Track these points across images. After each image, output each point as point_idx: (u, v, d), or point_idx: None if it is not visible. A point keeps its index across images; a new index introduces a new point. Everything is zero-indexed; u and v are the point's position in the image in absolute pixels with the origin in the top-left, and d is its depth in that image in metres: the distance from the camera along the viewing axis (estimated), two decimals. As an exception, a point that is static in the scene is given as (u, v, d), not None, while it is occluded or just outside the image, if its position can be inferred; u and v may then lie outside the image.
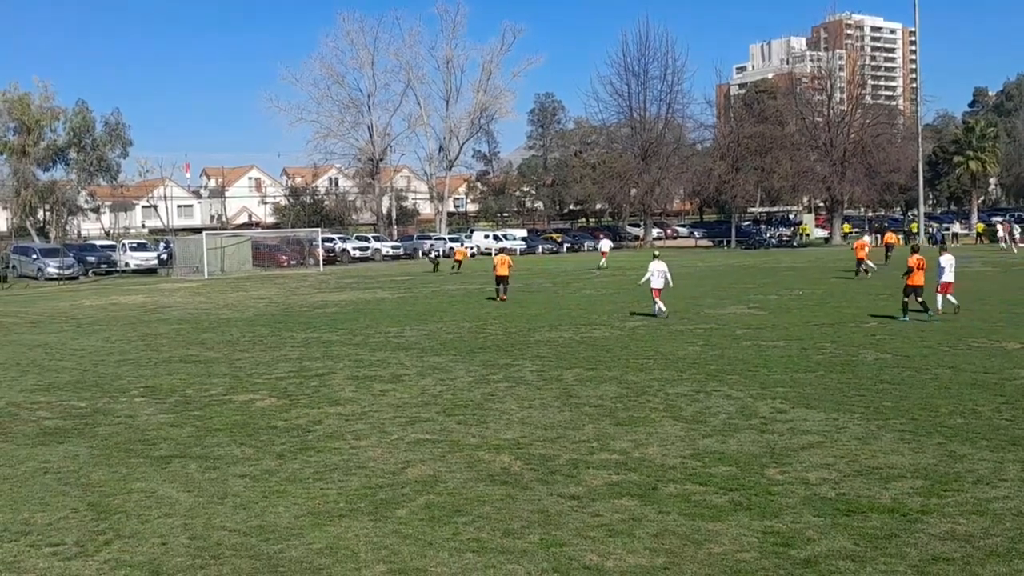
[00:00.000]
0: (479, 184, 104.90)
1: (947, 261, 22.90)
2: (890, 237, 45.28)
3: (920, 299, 21.97)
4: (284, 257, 58.63)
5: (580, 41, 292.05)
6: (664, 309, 23.96)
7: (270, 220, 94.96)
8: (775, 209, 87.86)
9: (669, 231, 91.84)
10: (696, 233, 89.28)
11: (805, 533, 7.82)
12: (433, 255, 53.52)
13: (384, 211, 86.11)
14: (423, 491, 9.31)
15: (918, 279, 21.99)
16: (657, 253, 26.23)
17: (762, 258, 56.17)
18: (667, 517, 8.32)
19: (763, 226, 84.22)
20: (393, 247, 70.34)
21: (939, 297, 22.71)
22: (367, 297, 34.22)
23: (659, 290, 24.08)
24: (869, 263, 36.31)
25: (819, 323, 22.03)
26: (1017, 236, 56.81)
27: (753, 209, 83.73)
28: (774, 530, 7.91)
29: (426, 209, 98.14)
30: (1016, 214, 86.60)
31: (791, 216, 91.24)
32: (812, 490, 8.98)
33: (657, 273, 24.04)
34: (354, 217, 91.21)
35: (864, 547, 7.46)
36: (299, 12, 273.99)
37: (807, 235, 77.15)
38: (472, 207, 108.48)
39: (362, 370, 16.98)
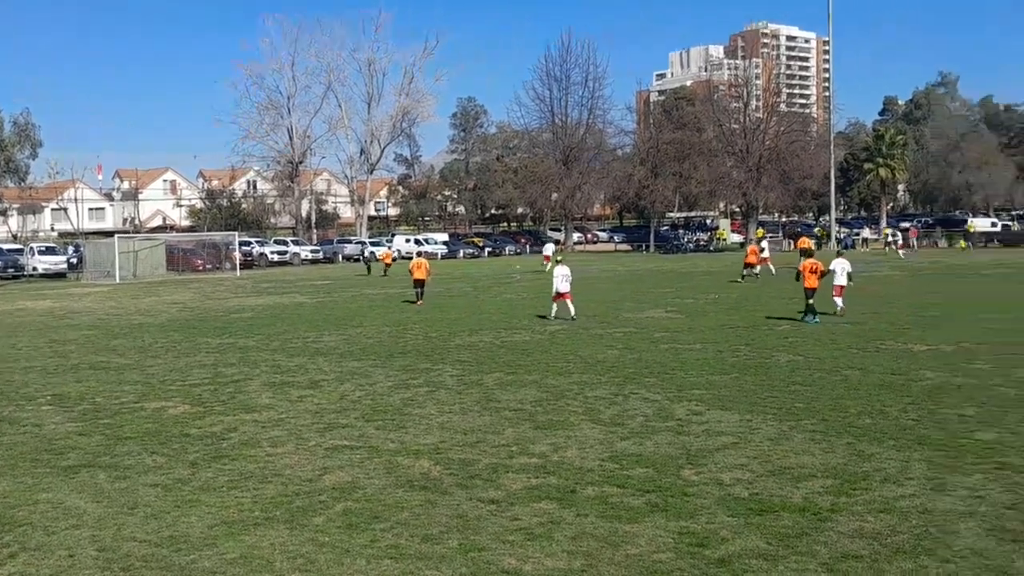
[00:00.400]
0: (400, 188, 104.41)
1: (839, 265, 23.83)
2: (804, 242, 46.61)
3: (810, 301, 22.76)
4: (199, 261, 57.61)
5: (503, 46, 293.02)
6: (555, 314, 24.37)
7: (185, 223, 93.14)
8: (693, 214, 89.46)
9: (590, 236, 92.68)
10: (616, 238, 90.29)
11: (719, 533, 7.95)
12: (367, 256, 54.06)
13: (303, 214, 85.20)
14: (341, 498, 9.21)
15: (811, 282, 22.75)
16: (560, 258, 26.77)
17: (680, 262, 57.05)
18: (585, 519, 8.37)
19: (681, 231, 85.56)
20: (312, 251, 69.65)
21: (837, 300, 23.64)
22: (285, 302, 33.78)
23: (566, 293, 24.41)
24: (762, 267, 38.16)
25: (734, 326, 22.46)
26: (900, 241, 59.33)
27: (672, 214, 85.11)
28: (689, 530, 8.02)
29: (346, 213, 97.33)
30: (923, 219, 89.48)
31: (708, 221, 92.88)
32: (726, 490, 9.13)
33: (562, 277, 24.39)
34: (272, 220, 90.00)
35: (776, 546, 7.61)
36: (219, 13, 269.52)
37: (723, 240, 78.58)
38: (393, 211, 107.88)
39: (279, 376, 16.74)
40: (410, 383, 15.65)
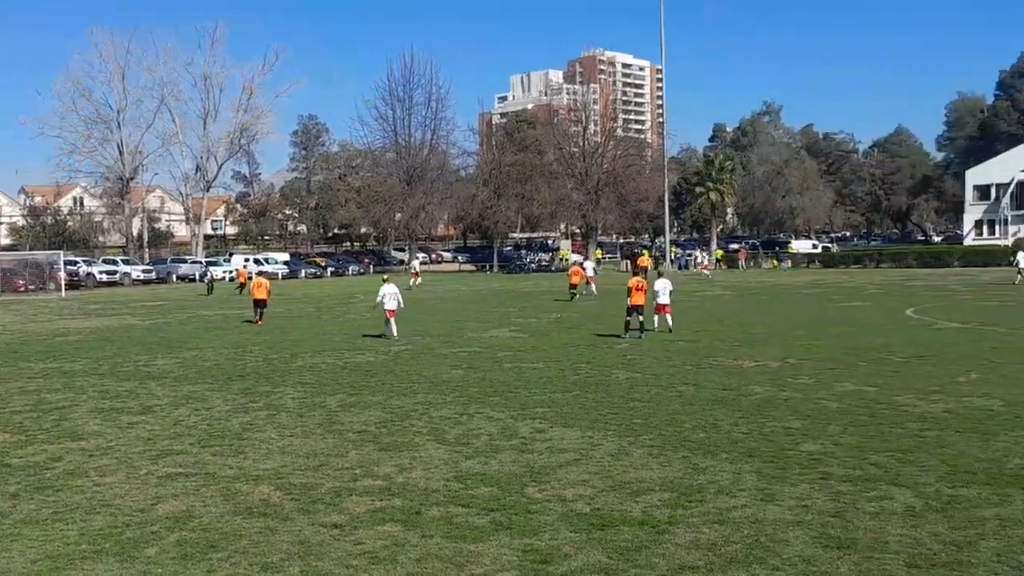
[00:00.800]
0: (239, 206, 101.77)
1: (661, 285, 24.82)
2: (642, 261, 48.51)
3: (641, 318, 23.83)
4: (21, 282, 54.70)
5: (344, 64, 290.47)
6: (396, 333, 24.52)
7: (5, 242, 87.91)
8: (535, 235, 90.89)
9: (434, 255, 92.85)
10: (460, 258, 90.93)
11: (562, 549, 8.05)
12: (208, 279, 53.11)
13: (135, 233, 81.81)
14: (175, 528, 8.84)
15: (638, 299, 23.67)
16: (386, 277, 27.48)
17: (523, 282, 57.81)
18: (430, 541, 8.33)
19: (524, 251, 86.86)
20: (144, 271, 67.05)
21: (656, 317, 24.70)
22: (115, 324, 32.28)
23: (393, 311, 24.64)
24: (589, 287, 40.98)
25: (575, 344, 22.91)
26: (706, 261, 63.74)
27: (514, 235, 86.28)
28: (533, 548, 8.09)
29: (181, 231, 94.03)
30: (750, 241, 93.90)
31: (550, 242, 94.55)
32: (569, 506, 9.26)
33: (389, 295, 24.57)
34: (101, 239, 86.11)
35: (616, 560, 7.76)
36: (45, 23, 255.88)
37: (565, 260, 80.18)
38: (231, 229, 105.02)
39: (108, 401, 15.96)
40: (249, 407, 15.21)
